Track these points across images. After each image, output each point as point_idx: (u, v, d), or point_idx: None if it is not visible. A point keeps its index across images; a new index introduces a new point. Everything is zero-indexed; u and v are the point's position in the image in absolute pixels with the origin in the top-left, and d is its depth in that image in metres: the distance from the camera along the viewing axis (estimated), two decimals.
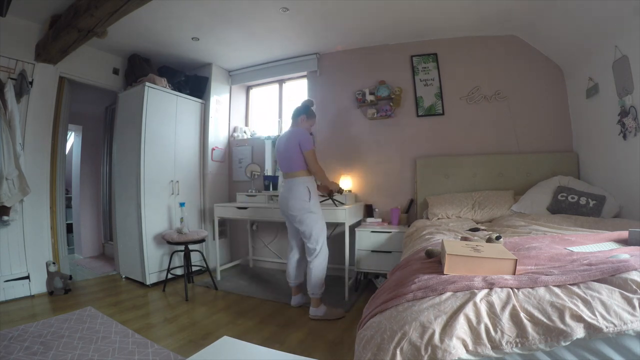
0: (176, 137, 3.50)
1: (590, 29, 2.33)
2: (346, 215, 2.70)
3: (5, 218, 2.58)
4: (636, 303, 0.78)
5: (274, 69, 3.85)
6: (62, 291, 2.83)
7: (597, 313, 0.77)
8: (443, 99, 3.20)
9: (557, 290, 0.87)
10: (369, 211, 3.27)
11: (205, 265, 3.23)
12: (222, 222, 3.90)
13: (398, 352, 0.76)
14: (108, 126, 4.46)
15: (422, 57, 3.27)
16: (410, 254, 1.60)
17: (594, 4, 2.13)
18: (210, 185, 3.87)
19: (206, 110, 3.85)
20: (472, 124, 3.10)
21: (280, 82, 4.13)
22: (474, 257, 1.03)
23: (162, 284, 3.07)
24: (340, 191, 2.62)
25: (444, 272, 1.03)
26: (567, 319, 0.76)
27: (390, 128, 3.36)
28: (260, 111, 4.36)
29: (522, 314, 0.80)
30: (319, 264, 2.40)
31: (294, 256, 2.56)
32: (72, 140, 4.68)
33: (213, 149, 3.90)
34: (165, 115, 3.37)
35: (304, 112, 2.50)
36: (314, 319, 2.34)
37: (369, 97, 3.32)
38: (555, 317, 0.77)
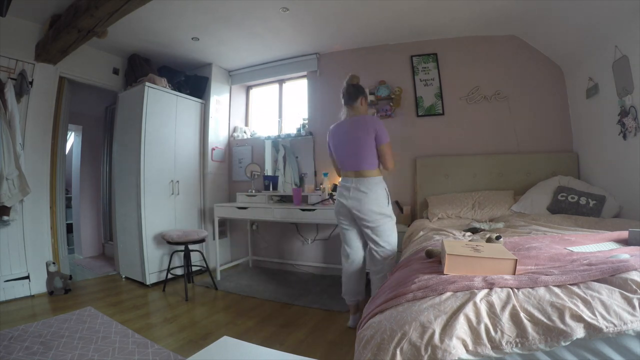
0: (176, 137, 3.50)
1: (590, 29, 2.33)
2: None
3: (5, 218, 2.58)
4: (636, 303, 0.78)
5: (274, 69, 3.85)
6: (62, 291, 2.83)
7: (597, 313, 0.77)
8: (443, 99, 3.20)
9: (557, 290, 0.87)
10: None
11: (205, 265, 3.23)
12: (222, 222, 3.90)
13: (398, 352, 0.76)
14: (108, 126, 4.46)
15: (422, 57, 3.27)
16: (410, 254, 1.60)
17: (594, 4, 2.13)
18: (210, 185, 3.87)
19: (206, 110, 3.85)
20: (472, 124, 3.10)
21: (280, 82, 4.13)
22: (474, 257, 1.03)
23: (162, 284, 3.07)
24: None
25: (444, 272, 1.03)
26: (567, 319, 0.76)
27: (390, 128, 3.32)
28: (260, 111, 4.36)
29: (522, 314, 0.80)
30: None
31: (356, 267, 2.21)
32: (72, 140, 4.67)
33: (213, 149, 3.90)
34: (165, 115, 3.37)
35: (363, 93, 2.11)
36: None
37: (369, 97, 3.32)
38: (555, 317, 0.77)
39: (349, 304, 2.24)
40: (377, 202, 2.02)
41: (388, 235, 2.09)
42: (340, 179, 2.24)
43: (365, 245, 2.20)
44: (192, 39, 3.24)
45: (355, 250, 2.21)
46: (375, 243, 2.08)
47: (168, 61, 3.70)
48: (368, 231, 2.07)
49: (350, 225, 2.15)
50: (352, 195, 2.04)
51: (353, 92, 2.11)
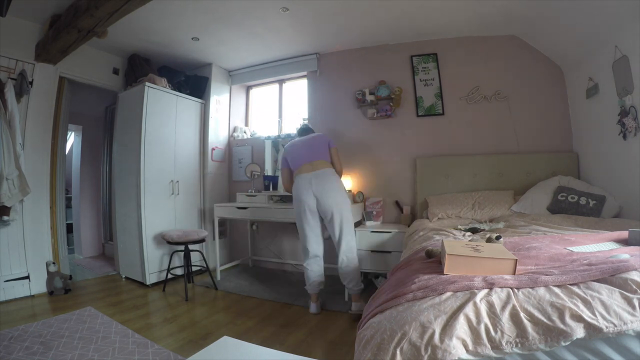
0: (176, 137, 3.50)
1: (590, 29, 2.33)
2: None
3: (5, 218, 2.58)
4: (636, 303, 0.78)
5: (274, 69, 3.85)
6: (62, 291, 2.83)
7: (597, 313, 0.77)
8: (443, 99, 3.20)
9: (557, 290, 0.87)
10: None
11: (205, 265, 3.23)
12: (222, 222, 3.90)
13: (398, 352, 0.76)
14: (108, 126, 4.46)
15: (422, 57, 3.27)
16: (410, 254, 1.60)
17: (594, 4, 2.13)
18: (210, 185, 3.87)
19: (206, 110, 3.85)
20: (472, 124, 3.10)
21: (280, 82, 4.13)
22: (474, 257, 1.03)
23: (162, 284, 3.06)
24: None
25: (444, 272, 1.03)
26: (567, 319, 0.76)
27: (390, 128, 3.36)
28: (260, 111, 4.36)
29: (522, 314, 0.80)
30: (356, 256, 2.45)
31: (320, 263, 2.50)
32: (72, 140, 4.67)
33: (213, 149, 3.90)
34: (165, 115, 3.37)
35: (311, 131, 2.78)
36: (357, 314, 2.29)
37: (369, 97, 3.32)
38: (555, 317, 0.77)
39: (313, 294, 2.49)
40: (339, 191, 2.39)
41: (351, 219, 2.41)
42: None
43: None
44: (192, 39, 3.24)
45: (319, 245, 2.46)
46: (341, 230, 2.35)
47: (168, 61, 3.70)
48: (335, 223, 2.34)
49: (313, 218, 2.39)
50: (315, 185, 2.34)
51: (309, 130, 2.78)
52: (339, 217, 2.35)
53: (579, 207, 2.28)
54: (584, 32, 2.39)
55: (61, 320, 2.23)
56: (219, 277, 3.34)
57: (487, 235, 1.46)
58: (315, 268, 2.47)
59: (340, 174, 2.54)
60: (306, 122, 3.22)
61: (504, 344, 0.76)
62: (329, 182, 2.36)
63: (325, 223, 2.44)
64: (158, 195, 3.25)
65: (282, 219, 2.99)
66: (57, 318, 2.26)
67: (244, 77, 4.08)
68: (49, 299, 2.73)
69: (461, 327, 0.78)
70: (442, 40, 3.21)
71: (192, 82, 3.79)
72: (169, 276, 3.05)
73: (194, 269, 3.29)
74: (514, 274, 0.99)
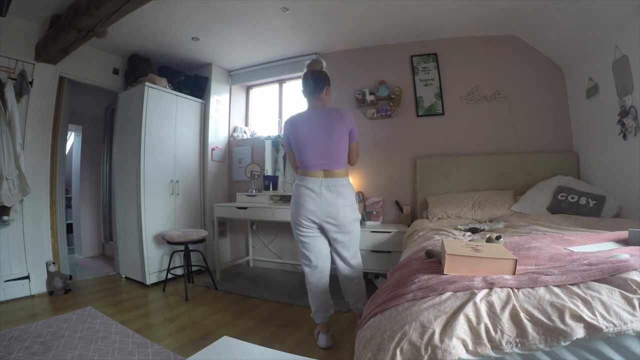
0: (176, 137, 3.50)
1: (590, 29, 2.33)
2: None
3: (5, 218, 2.58)
4: (636, 303, 0.78)
5: (274, 69, 3.85)
6: (62, 291, 2.83)
7: (597, 313, 0.77)
8: (443, 99, 3.20)
9: (557, 290, 0.87)
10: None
11: (205, 265, 3.23)
12: (222, 222, 3.90)
13: (398, 352, 0.76)
14: (108, 126, 4.46)
15: (422, 57, 3.27)
16: (410, 254, 1.60)
17: (594, 4, 2.13)
18: (210, 185, 3.87)
19: (206, 110, 3.85)
20: (472, 124, 3.10)
21: (280, 82, 4.12)
22: (474, 257, 1.03)
23: (162, 284, 3.07)
24: None
25: (444, 272, 1.03)
26: (567, 319, 0.76)
27: (390, 128, 3.36)
28: (260, 111, 4.36)
29: (522, 314, 0.80)
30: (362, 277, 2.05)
31: (326, 279, 1.98)
32: (72, 140, 4.67)
33: (213, 149, 3.90)
34: (165, 115, 3.37)
35: (328, 82, 1.89)
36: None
37: (369, 97, 3.32)
38: (555, 317, 0.77)
39: (321, 323, 1.94)
40: (353, 204, 1.85)
41: (357, 238, 1.92)
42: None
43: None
44: (192, 39, 3.24)
45: (325, 258, 1.93)
46: (344, 247, 1.88)
47: (168, 61, 3.70)
48: (339, 244, 1.87)
49: (316, 230, 1.87)
50: (324, 199, 1.78)
51: (318, 79, 1.84)
52: (347, 238, 1.88)
53: (579, 207, 2.28)
54: (584, 32, 2.39)
55: (61, 320, 2.23)
56: (219, 277, 3.34)
57: (487, 235, 1.45)
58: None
59: (352, 165, 2.03)
60: (317, 57, 2.05)
61: (504, 344, 0.76)
62: (341, 198, 1.81)
63: (330, 240, 1.94)
64: (158, 195, 3.25)
65: (282, 219, 2.99)
66: (57, 318, 2.26)
67: (244, 77, 4.08)
68: (49, 299, 2.73)
69: (461, 327, 0.78)
70: (442, 40, 3.21)
71: (192, 82, 3.79)
72: (169, 276, 3.05)
73: (194, 269, 3.29)
74: (514, 274, 0.99)
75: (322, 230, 1.88)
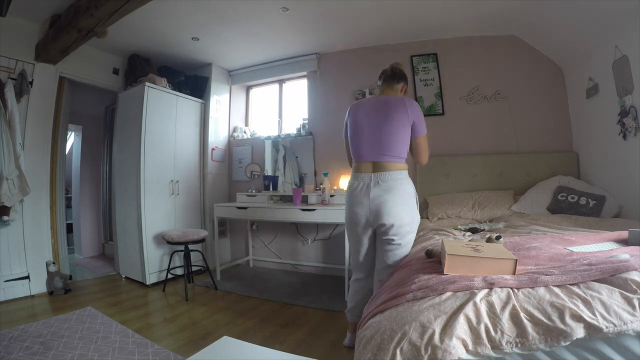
0: (176, 137, 3.50)
1: (590, 29, 2.33)
2: None
3: (5, 218, 2.58)
4: (636, 303, 0.78)
5: (274, 69, 3.85)
6: (62, 291, 2.83)
7: (597, 313, 0.77)
8: (443, 99, 3.20)
9: (557, 290, 0.87)
10: None
11: (205, 265, 3.23)
12: (222, 222, 3.90)
13: (398, 352, 0.76)
14: (108, 126, 4.46)
15: (422, 57, 3.27)
16: (410, 254, 1.60)
17: (593, 4, 2.13)
18: (210, 185, 3.87)
19: (206, 110, 3.85)
20: (472, 124, 3.10)
21: (280, 82, 4.13)
22: (474, 257, 1.03)
23: (162, 284, 3.06)
24: None
25: (444, 272, 1.03)
26: (567, 319, 0.76)
27: None
28: (260, 111, 4.36)
29: (522, 314, 0.80)
30: None
31: (371, 283, 1.79)
32: (72, 140, 4.67)
33: (213, 149, 3.90)
34: (165, 115, 3.37)
35: (406, 81, 1.83)
36: None
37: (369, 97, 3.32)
38: (555, 317, 0.77)
39: (352, 321, 1.87)
40: (409, 203, 1.62)
41: (408, 247, 1.66)
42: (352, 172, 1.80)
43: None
44: (192, 39, 3.24)
45: (367, 266, 1.79)
46: (392, 254, 1.63)
47: (168, 61, 3.70)
48: (388, 237, 1.61)
49: (366, 232, 1.70)
50: (372, 196, 1.61)
51: (398, 74, 1.79)
52: (391, 247, 1.64)
53: (579, 207, 2.28)
54: (584, 32, 2.39)
55: (61, 320, 2.23)
56: (219, 277, 3.34)
57: (487, 235, 1.45)
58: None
59: (421, 164, 1.88)
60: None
61: (504, 344, 0.76)
62: (391, 194, 1.60)
63: (377, 243, 1.73)
64: (158, 195, 3.25)
65: (282, 219, 2.99)
66: (57, 318, 2.26)
67: (244, 77, 4.08)
68: (49, 299, 2.73)
69: (461, 327, 0.78)
70: (442, 40, 3.21)
71: (192, 82, 3.79)
72: (169, 276, 3.05)
73: (194, 269, 3.29)
74: (514, 274, 0.99)
75: (374, 232, 1.71)
